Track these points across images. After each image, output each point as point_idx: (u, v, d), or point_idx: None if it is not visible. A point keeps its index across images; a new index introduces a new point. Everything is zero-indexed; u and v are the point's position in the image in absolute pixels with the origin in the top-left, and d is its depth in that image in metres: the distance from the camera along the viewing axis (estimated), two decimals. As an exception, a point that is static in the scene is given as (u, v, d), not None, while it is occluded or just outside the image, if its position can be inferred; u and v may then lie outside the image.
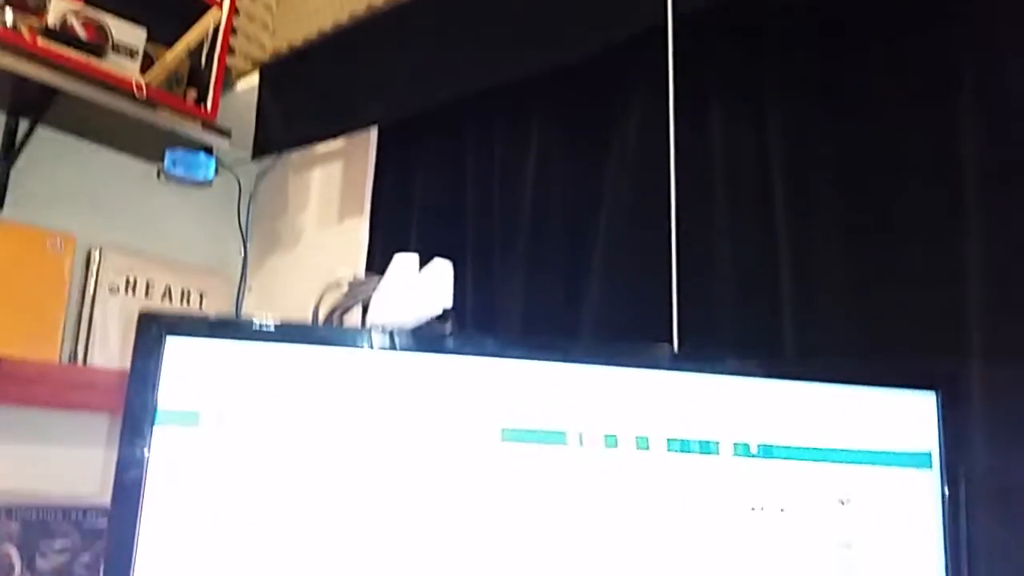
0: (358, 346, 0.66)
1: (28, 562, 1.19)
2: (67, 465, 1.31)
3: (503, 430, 0.68)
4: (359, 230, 1.40)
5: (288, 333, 0.64)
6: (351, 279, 0.72)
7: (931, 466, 0.75)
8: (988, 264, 0.80)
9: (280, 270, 1.56)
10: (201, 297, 1.51)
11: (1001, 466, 0.77)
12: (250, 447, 0.64)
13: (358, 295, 0.71)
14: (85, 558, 1.23)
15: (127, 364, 1.35)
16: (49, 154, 1.38)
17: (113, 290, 1.42)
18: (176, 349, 0.64)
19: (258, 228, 1.59)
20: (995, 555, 0.76)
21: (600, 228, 1.04)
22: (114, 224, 1.44)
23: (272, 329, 0.64)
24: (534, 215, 1.11)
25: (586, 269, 1.03)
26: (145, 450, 0.63)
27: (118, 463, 0.63)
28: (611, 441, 0.69)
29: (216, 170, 1.41)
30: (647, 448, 0.70)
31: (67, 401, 1.32)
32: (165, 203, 1.51)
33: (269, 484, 0.64)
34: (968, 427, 0.77)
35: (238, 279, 1.55)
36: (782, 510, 0.71)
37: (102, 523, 1.24)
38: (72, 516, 1.23)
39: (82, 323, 1.39)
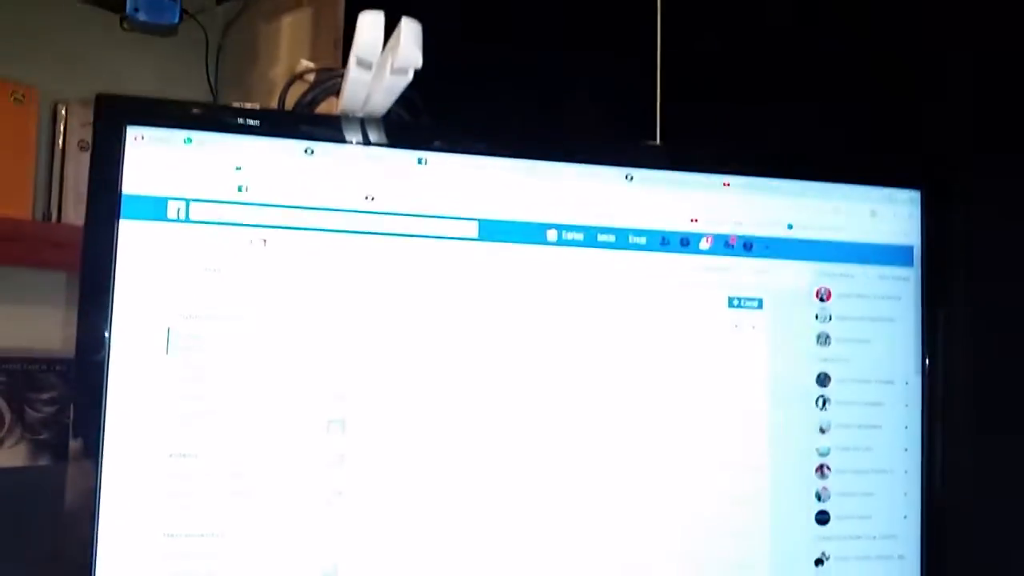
0: (344, 141, 0.63)
1: (17, 413, 1.20)
2: (47, 323, 1.31)
3: (480, 225, 0.66)
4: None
5: (277, 123, 0.61)
6: (317, 68, 0.68)
7: (912, 264, 0.75)
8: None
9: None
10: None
11: (984, 265, 0.77)
12: (224, 245, 0.63)
13: (327, 85, 0.68)
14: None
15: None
16: (8, 4, 1.31)
17: (83, 146, 1.37)
18: (140, 140, 0.62)
19: (227, 81, 1.53)
20: (978, 352, 0.77)
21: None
22: (79, 77, 1.38)
23: (256, 121, 0.61)
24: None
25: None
26: (111, 251, 0.61)
27: (83, 267, 0.61)
28: (590, 237, 0.68)
29: (180, 18, 1.35)
30: (626, 245, 0.69)
31: (44, 259, 1.30)
32: (131, 56, 1.44)
33: (247, 285, 0.63)
34: (953, 225, 0.76)
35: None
36: (760, 305, 0.71)
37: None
38: (57, 368, 1.24)
39: (53, 181, 1.35)
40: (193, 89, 1.48)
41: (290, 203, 0.64)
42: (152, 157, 0.62)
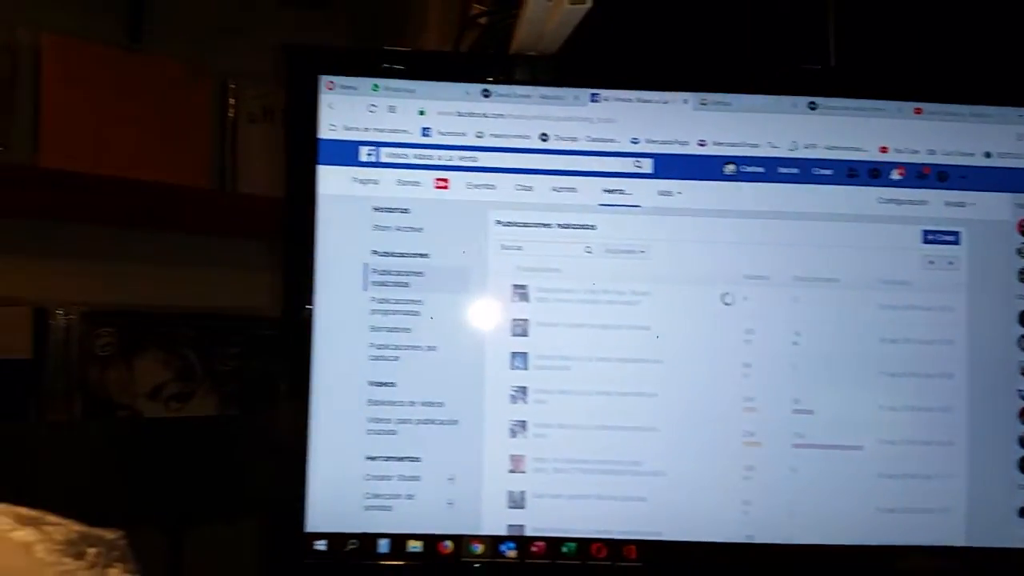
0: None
1: (206, 365, 1.31)
2: (225, 283, 1.41)
3: (655, 161, 0.66)
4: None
5: (456, 66, 0.62)
6: (489, 10, 0.69)
7: None
8: None
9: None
10: (332, 124, 1.54)
11: None
12: (410, 185, 0.65)
13: (500, 27, 0.69)
14: (257, 363, 1.34)
15: (275, 191, 1.44)
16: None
17: (252, 118, 1.46)
18: (331, 88, 0.65)
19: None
20: None
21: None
22: (246, 53, 1.47)
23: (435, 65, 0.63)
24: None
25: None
26: (311, 194, 0.65)
27: (286, 210, 0.66)
28: (770, 170, 0.66)
29: (334, -11, 1.40)
30: (810, 177, 0.66)
31: (221, 225, 1.40)
32: (289, 30, 1.52)
33: (432, 223, 0.65)
34: None
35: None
36: (957, 240, 0.67)
37: (270, 332, 1.35)
38: (242, 325, 1.34)
39: (226, 153, 1.45)
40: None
41: (470, 144, 0.65)
42: (343, 104, 0.65)
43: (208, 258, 1.39)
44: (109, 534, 0.42)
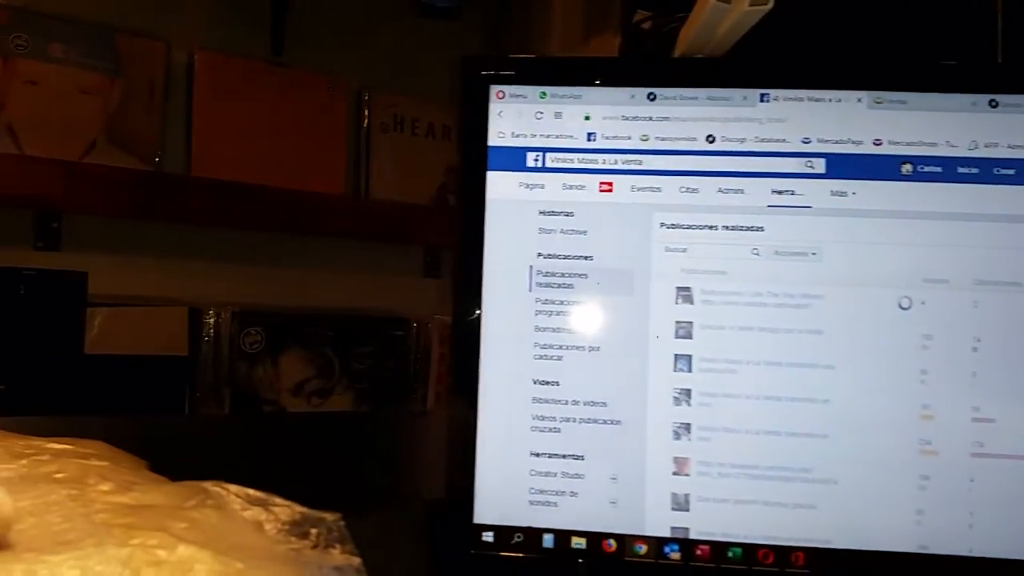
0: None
1: (344, 364, 1.36)
2: (362, 285, 1.47)
3: (827, 161, 0.65)
4: (611, 49, 1.37)
5: (621, 70, 0.63)
6: (653, 15, 0.70)
7: None
8: None
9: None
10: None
11: None
12: (576, 189, 0.67)
13: (665, 31, 0.70)
14: (390, 362, 1.39)
15: (404, 198, 1.49)
16: (316, 2, 1.47)
17: (384, 129, 1.52)
18: (501, 97, 0.67)
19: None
20: None
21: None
22: (379, 65, 1.53)
23: (602, 71, 0.64)
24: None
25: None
26: (481, 199, 0.67)
27: (460, 214, 0.68)
28: (949, 170, 0.64)
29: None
30: (992, 178, 0.64)
31: (356, 230, 1.46)
32: (421, 41, 1.57)
33: (596, 227, 0.66)
34: None
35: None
36: None
37: (401, 333, 1.40)
38: (376, 326, 1.39)
39: (360, 161, 1.51)
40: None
41: (635, 148, 0.66)
42: (512, 112, 0.67)
43: (345, 262, 1.45)
44: (328, 516, 0.45)
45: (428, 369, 1.43)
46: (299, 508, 0.45)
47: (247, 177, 1.33)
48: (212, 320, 1.26)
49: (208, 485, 0.46)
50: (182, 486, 0.47)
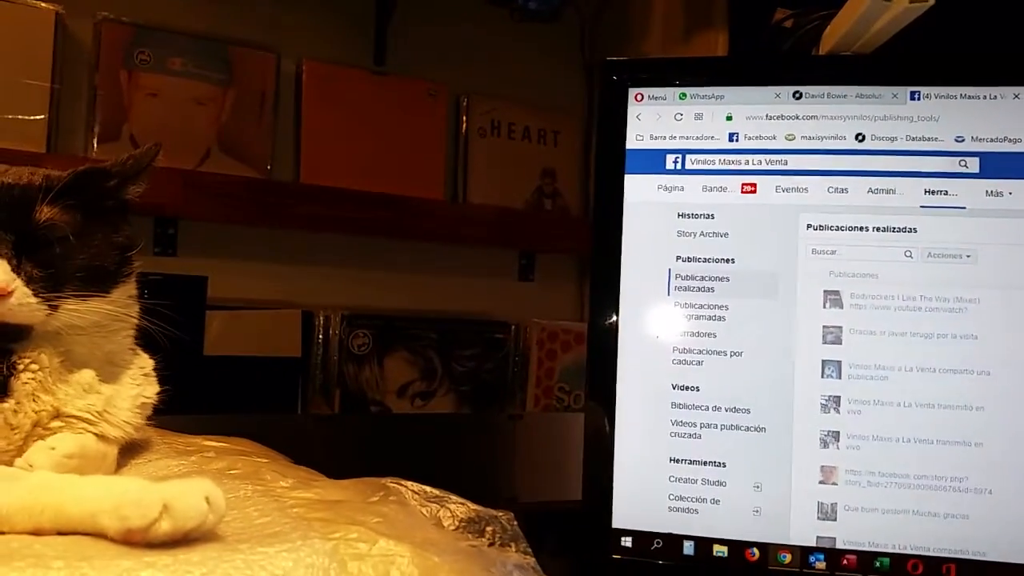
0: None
1: (446, 367, 1.38)
2: (461, 289, 1.48)
3: (982, 160, 0.62)
4: (714, 48, 1.35)
5: (766, 69, 0.62)
6: (795, 12, 0.68)
7: None
8: None
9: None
10: (555, 136, 1.59)
11: None
12: (716, 191, 0.66)
13: (808, 28, 0.68)
14: (490, 365, 1.40)
15: (500, 201, 1.50)
16: (416, 12, 1.50)
17: (481, 133, 1.54)
18: (640, 100, 0.67)
19: (601, 59, 1.61)
20: None
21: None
22: (475, 70, 1.54)
23: (746, 70, 0.63)
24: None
25: None
26: (619, 203, 0.67)
27: (595, 218, 0.68)
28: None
29: (561, 2, 1.44)
30: None
31: (454, 234, 1.48)
32: (516, 44, 1.57)
33: (738, 228, 0.66)
34: None
35: (585, 116, 1.60)
36: None
37: (501, 337, 1.41)
38: (477, 329, 1.40)
39: (459, 166, 1.53)
40: (570, 71, 1.58)
41: (779, 148, 0.65)
42: (651, 114, 0.67)
43: (443, 265, 1.47)
44: (502, 514, 0.45)
45: (527, 372, 1.43)
46: (473, 506, 0.46)
47: (351, 183, 1.36)
48: (321, 322, 1.29)
49: (386, 481, 0.47)
50: (359, 482, 0.48)
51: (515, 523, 0.45)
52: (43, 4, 1.24)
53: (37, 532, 0.40)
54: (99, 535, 0.39)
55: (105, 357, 0.56)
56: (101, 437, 0.54)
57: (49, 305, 0.50)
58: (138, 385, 0.58)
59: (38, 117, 1.23)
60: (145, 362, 0.60)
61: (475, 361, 1.39)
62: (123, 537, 0.38)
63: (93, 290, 0.53)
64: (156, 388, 0.60)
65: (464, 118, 1.53)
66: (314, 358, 1.29)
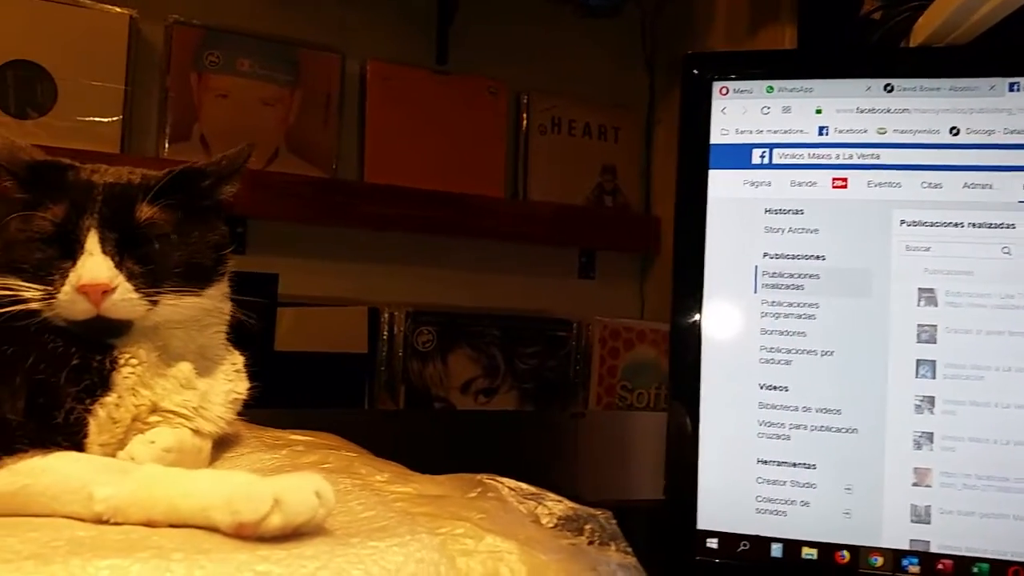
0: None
1: (508, 364, 1.38)
2: (523, 287, 1.48)
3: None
4: (781, 41, 1.32)
5: (857, 62, 0.60)
6: (885, 4, 0.67)
7: None
8: None
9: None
10: (616, 132, 1.58)
11: None
12: (805, 186, 0.65)
13: (899, 19, 0.66)
14: (551, 362, 1.40)
15: (561, 198, 1.49)
16: (477, 10, 1.50)
17: (542, 130, 1.53)
18: (724, 93, 0.66)
19: (662, 54, 1.59)
20: None
21: None
22: (535, 68, 1.54)
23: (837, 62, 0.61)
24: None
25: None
26: (703, 199, 0.66)
27: (677, 216, 0.67)
28: None
29: (622, -1, 1.43)
30: None
31: (515, 232, 1.48)
32: (576, 41, 1.57)
33: (828, 224, 0.64)
34: None
35: (646, 112, 1.59)
36: None
37: (563, 334, 1.41)
38: (539, 327, 1.40)
39: (519, 163, 1.53)
40: (630, 67, 1.57)
41: (871, 141, 0.63)
42: (736, 108, 0.66)
43: (505, 263, 1.47)
44: (600, 513, 0.45)
45: (589, 370, 1.42)
46: (571, 503, 0.45)
47: (414, 182, 1.37)
48: (387, 319, 1.31)
49: (482, 477, 0.47)
50: (454, 478, 0.49)
51: (613, 522, 0.45)
52: (117, 8, 1.27)
53: (149, 524, 0.41)
54: (211, 529, 0.40)
55: (199, 351, 0.57)
56: (196, 432, 0.55)
57: (149, 300, 0.52)
58: (230, 381, 0.59)
59: (113, 119, 1.27)
60: (236, 358, 0.61)
61: (537, 359, 1.39)
62: (234, 531, 0.39)
63: (190, 286, 0.54)
64: (247, 384, 0.61)
65: (524, 115, 1.53)
66: (380, 354, 1.30)
